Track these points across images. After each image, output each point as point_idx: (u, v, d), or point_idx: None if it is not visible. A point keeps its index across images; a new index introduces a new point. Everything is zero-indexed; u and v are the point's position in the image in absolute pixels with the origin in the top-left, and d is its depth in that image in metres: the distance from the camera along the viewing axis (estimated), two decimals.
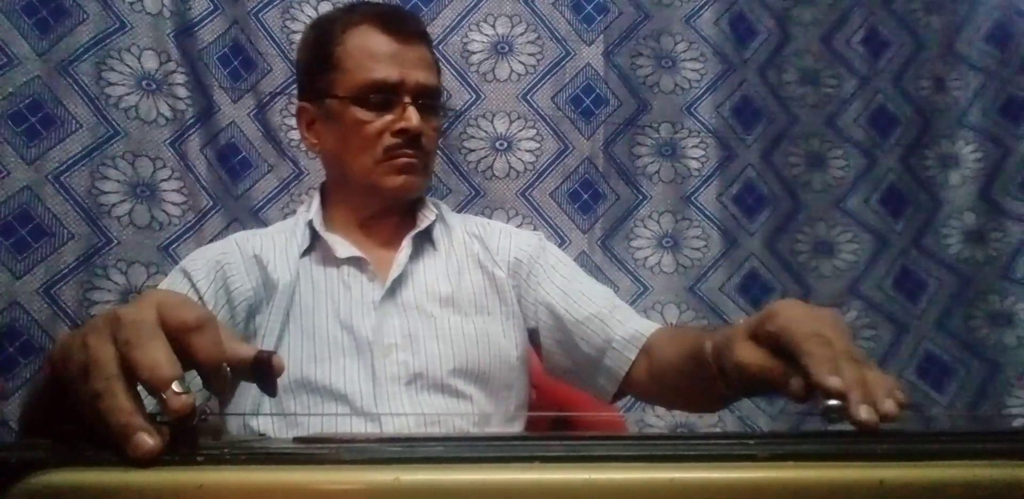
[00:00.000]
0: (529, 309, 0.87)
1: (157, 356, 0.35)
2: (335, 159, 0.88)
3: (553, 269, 0.88)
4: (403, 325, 0.81)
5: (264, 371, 0.40)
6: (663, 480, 0.31)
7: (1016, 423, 1.46)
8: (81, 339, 0.37)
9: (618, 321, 0.82)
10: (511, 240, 0.90)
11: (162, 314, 0.37)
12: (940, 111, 1.54)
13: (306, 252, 0.85)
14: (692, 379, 0.66)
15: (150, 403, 0.35)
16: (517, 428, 0.85)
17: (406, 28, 0.86)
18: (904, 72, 1.55)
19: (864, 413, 0.41)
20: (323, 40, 0.87)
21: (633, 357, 0.79)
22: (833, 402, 0.42)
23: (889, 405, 0.42)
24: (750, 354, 0.51)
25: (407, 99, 0.83)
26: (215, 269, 0.82)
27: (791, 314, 0.50)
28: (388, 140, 0.83)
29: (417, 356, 0.80)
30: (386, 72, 0.83)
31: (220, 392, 0.38)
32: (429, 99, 0.86)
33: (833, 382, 0.43)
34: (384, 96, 0.83)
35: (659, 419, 1.33)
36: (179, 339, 0.36)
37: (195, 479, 0.31)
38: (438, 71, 0.90)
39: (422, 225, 0.87)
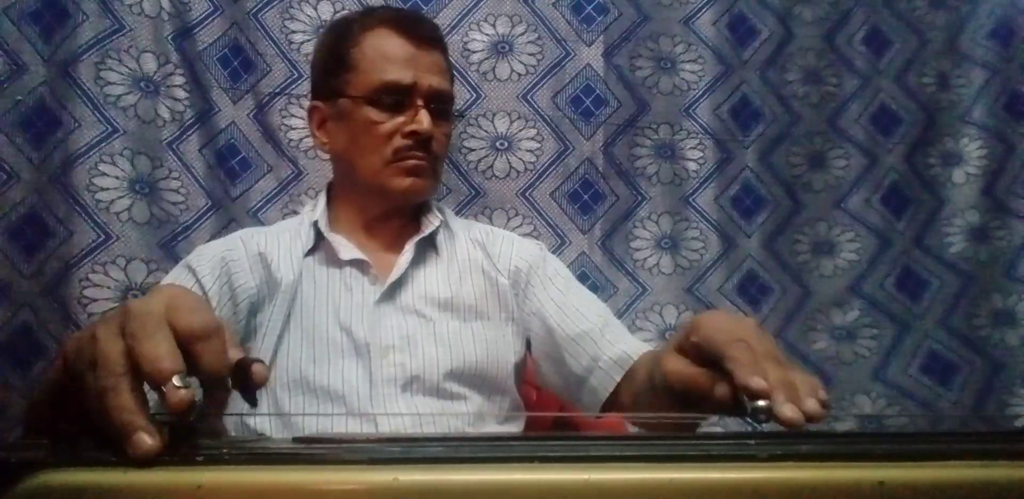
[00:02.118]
0: (524, 318, 0.87)
1: (159, 349, 0.35)
2: (344, 159, 0.88)
3: (550, 281, 0.88)
4: (400, 327, 0.81)
5: (244, 378, 0.38)
6: (663, 480, 0.31)
7: (1019, 423, 1.46)
8: (92, 333, 0.37)
9: (608, 341, 0.82)
10: (513, 247, 0.90)
11: (171, 317, 0.36)
12: (943, 109, 1.53)
13: (310, 252, 0.85)
14: (661, 398, 0.67)
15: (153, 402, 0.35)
16: (512, 431, 0.85)
17: (423, 33, 0.87)
18: (907, 70, 1.54)
19: (789, 411, 0.42)
20: (340, 40, 0.87)
21: (618, 379, 0.79)
22: (760, 403, 0.43)
23: (812, 404, 0.43)
24: (676, 365, 0.52)
25: (420, 102, 0.83)
26: (220, 265, 0.82)
27: (712, 324, 0.51)
28: (398, 141, 0.83)
29: (414, 359, 0.80)
30: (400, 74, 0.83)
31: (220, 404, 0.38)
32: (441, 104, 0.86)
33: (756, 382, 0.44)
34: (397, 98, 0.84)
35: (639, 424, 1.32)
36: (185, 346, 0.36)
37: (194, 479, 0.31)
38: (452, 77, 0.90)
39: (426, 230, 0.87)
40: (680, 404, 0.57)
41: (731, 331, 0.49)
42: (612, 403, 0.80)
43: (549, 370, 0.85)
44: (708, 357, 0.50)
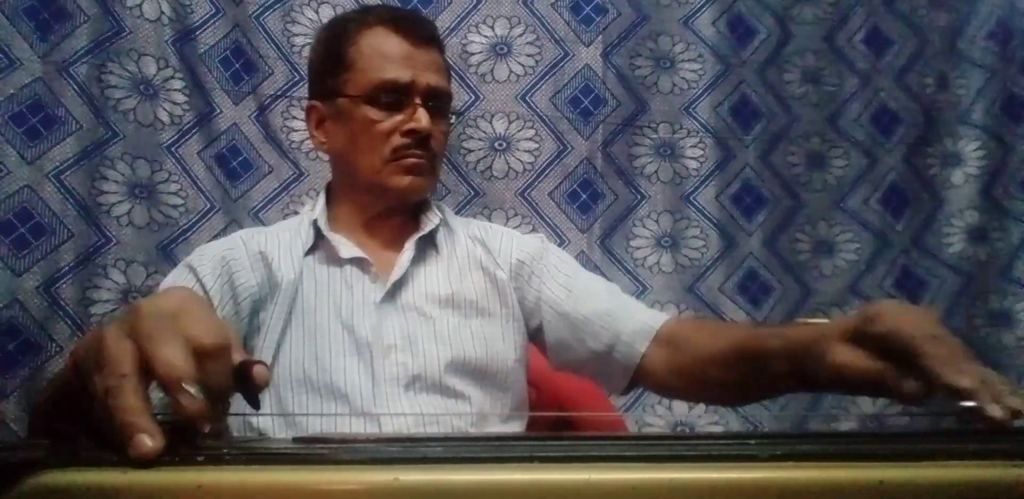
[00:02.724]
0: (532, 309, 0.87)
1: (175, 354, 0.35)
2: (343, 158, 0.88)
3: (556, 268, 0.88)
4: (402, 326, 0.81)
5: (245, 380, 0.38)
6: (663, 480, 0.31)
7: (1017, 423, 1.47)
8: (100, 333, 0.37)
9: (626, 315, 0.82)
10: (513, 242, 0.90)
11: (182, 326, 0.36)
12: (942, 109, 1.54)
13: (310, 251, 0.85)
14: (733, 373, 0.66)
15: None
16: (514, 430, 0.85)
17: (419, 31, 0.87)
18: (906, 70, 1.55)
19: (999, 412, 0.42)
20: (337, 40, 0.87)
21: (643, 350, 0.79)
22: (968, 403, 0.43)
23: (1017, 401, 0.42)
24: (851, 357, 0.50)
25: (418, 100, 0.84)
26: (221, 265, 0.82)
27: (896, 316, 0.49)
28: (397, 140, 0.83)
29: (416, 357, 0.80)
30: (398, 73, 0.83)
31: (218, 415, 0.37)
32: (439, 102, 0.86)
33: (965, 383, 0.43)
34: (395, 96, 0.84)
35: (659, 419, 1.33)
36: (193, 359, 0.36)
37: (195, 479, 0.31)
38: (449, 76, 0.90)
39: (426, 228, 0.87)
40: (827, 390, 0.56)
41: (919, 325, 0.48)
42: (642, 374, 0.80)
43: (568, 355, 0.85)
44: (896, 351, 0.48)
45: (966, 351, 0.46)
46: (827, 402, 1.37)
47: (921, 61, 1.55)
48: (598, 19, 1.43)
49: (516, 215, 1.36)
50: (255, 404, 0.40)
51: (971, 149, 1.52)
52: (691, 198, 1.44)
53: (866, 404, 1.40)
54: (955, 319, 1.48)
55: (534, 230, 1.35)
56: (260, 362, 0.39)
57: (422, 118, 0.83)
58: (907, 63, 1.55)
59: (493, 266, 0.87)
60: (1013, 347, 1.46)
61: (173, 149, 1.20)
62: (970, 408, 0.42)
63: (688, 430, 1.34)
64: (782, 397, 1.39)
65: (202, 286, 0.80)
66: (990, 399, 0.42)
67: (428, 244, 0.88)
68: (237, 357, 0.38)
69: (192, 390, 0.34)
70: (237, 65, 1.27)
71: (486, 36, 1.39)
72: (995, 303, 1.48)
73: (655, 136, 1.44)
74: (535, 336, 0.88)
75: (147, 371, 0.35)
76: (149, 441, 0.32)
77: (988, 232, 1.50)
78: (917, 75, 1.54)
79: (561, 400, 1.00)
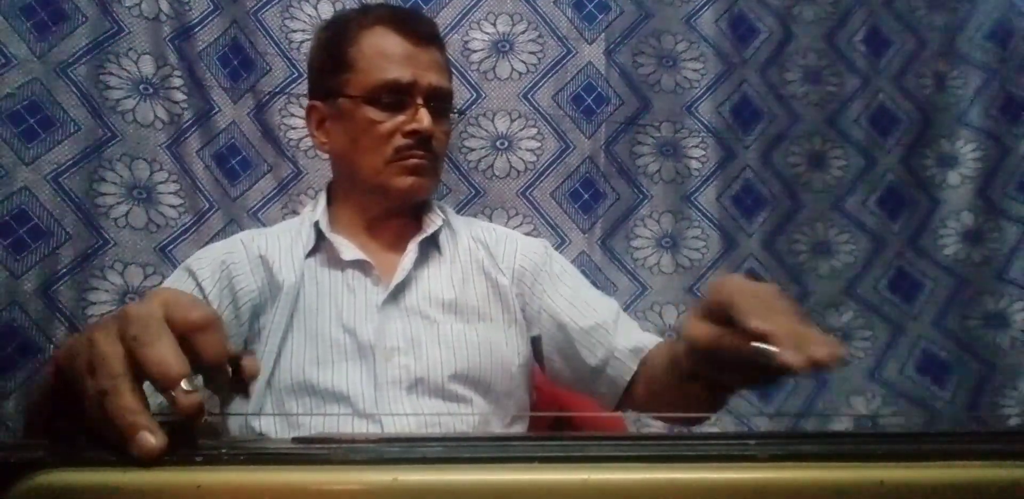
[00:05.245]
0: (533, 317, 0.87)
1: (166, 353, 0.35)
2: (344, 159, 0.88)
3: (558, 278, 0.88)
4: (405, 329, 0.81)
5: (235, 373, 0.39)
6: (663, 480, 0.31)
7: (1011, 423, 1.47)
8: (88, 337, 0.37)
9: (622, 332, 0.82)
10: (516, 247, 0.90)
11: (168, 313, 0.37)
12: (940, 110, 1.53)
13: (311, 253, 0.85)
14: (674, 389, 0.67)
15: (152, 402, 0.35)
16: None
17: (420, 31, 0.87)
18: (905, 71, 1.55)
19: (793, 358, 0.41)
20: (337, 40, 0.87)
21: (635, 368, 0.80)
22: (761, 344, 0.42)
23: (819, 352, 0.42)
24: (699, 329, 0.51)
25: (419, 100, 0.83)
26: (220, 268, 0.82)
27: (734, 285, 0.50)
28: (399, 140, 0.83)
29: (419, 361, 0.80)
30: (399, 73, 0.83)
31: (223, 392, 0.38)
32: (441, 102, 0.86)
33: (764, 326, 0.43)
34: (396, 97, 0.84)
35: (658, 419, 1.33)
36: (184, 338, 0.36)
37: (194, 479, 0.31)
38: (450, 75, 0.90)
39: (429, 230, 0.87)
40: (703, 377, 0.56)
41: (749, 290, 0.49)
42: (629, 393, 0.80)
43: (562, 365, 0.85)
44: (727, 315, 0.48)
45: (792, 311, 0.46)
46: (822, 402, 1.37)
47: (920, 61, 1.54)
48: (601, 16, 1.43)
49: (517, 214, 1.35)
50: (247, 395, 0.40)
51: (968, 150, 1.52)
52: (692, 198, 1.43)
53: (860, 405, 1.40)
54: (949, 321, 1.48)
55: (535, 230, 1.35)
56: (248, 353, 0.39)
57: (424, 118, 0.82)
58: (906, 63, 1.55)
59: (495, 271, 0.87)
60: (1007, 348, 1.45)
61: (172, 148, 1.20)
62: (763, 350, 0.42)
63: (687, 431, 1.34)
64: (779, 398, 1.39)
65: (201, 290, 0.79)
66: (791, 345, 0.42)
67: (431, 246, 0.88)
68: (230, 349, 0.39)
69: (188, 387, 0.34)
70: (235, 62, 1.27)
71: (488, 33, 1.39)
72: (990, 304, 1.47)
73: (658, 135, 1.44)
74: (533, 345, 0.88)
75: (139, 372, 0.35)
76: (153, 438, 0.33)
77: (983, 233, 1.50)
78: (915, 75, 1.54)
79: (561, 401, 1.00)
